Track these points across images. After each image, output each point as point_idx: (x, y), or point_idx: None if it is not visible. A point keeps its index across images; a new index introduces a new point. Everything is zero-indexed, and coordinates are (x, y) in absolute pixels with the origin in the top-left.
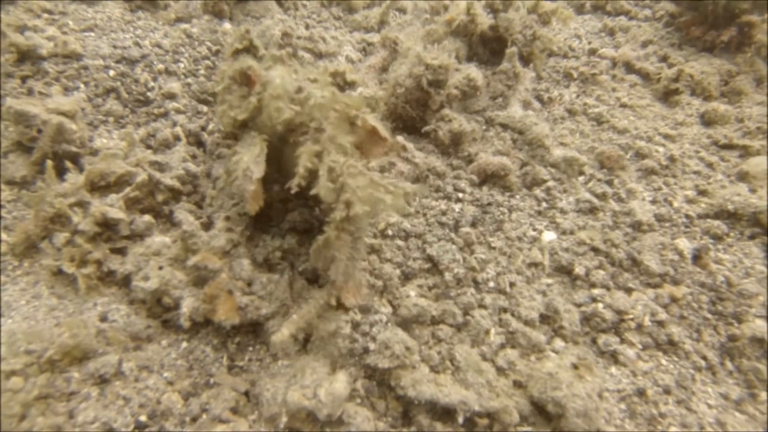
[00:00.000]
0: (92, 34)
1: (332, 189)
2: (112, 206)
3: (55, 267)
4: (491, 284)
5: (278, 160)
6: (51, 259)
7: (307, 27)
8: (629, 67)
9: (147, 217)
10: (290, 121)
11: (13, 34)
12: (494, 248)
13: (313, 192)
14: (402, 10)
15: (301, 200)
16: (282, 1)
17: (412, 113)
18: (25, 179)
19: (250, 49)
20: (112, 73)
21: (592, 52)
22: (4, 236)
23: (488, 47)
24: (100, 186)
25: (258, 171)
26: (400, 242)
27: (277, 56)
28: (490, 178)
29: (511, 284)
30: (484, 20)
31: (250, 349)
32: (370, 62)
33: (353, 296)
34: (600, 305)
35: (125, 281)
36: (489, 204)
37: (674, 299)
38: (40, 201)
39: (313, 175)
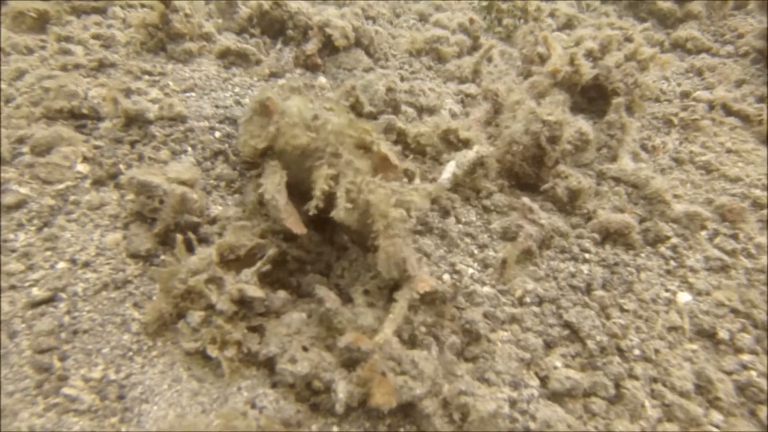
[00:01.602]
0: (193, 94)
1: (351, 209)
2: (248, 283)
3: (194, 348)
4: (636, 352)
5: (297, 185)
6: (188, 340)
7: (402, 79)
8: (727, 110)
9: (282, 293)
10: (306, 147)
11: (123, 99)
12: (627, 311)
13: (332, 215)
14: (489, 58)
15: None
16: (371, 53)
17: (528, 170)
18: (149, 252)
19: (356, 106)
20: (217, 134)
21: (685, 94)
22: (135, 314)
23: (586, 95)
24: (229, 260)
25: (282, 198)
26: (535, 308)
27: (295, 87)
28: (611, 235)
29: (656, 351)
30: (588, 70)
31: (402, 431)
32: (475, 116)
33: (423, 285)
34: (753, 373)
35: (268, 363)
36: (616, 264)
37: None
38: (170, 277)
39: (330, 198)
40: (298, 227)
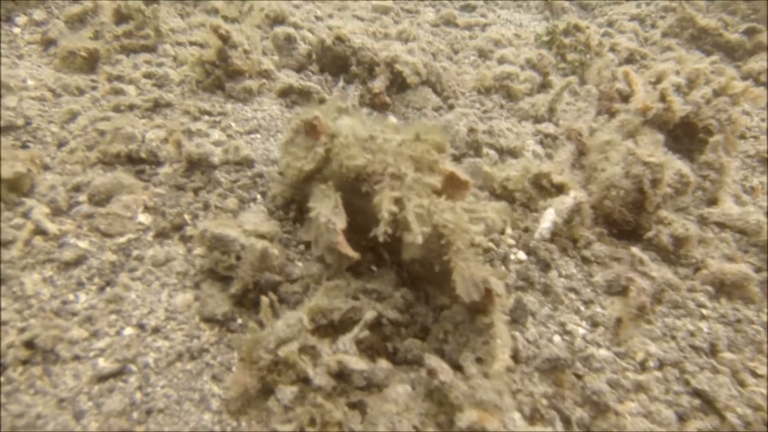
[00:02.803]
0: (258, 135)
1: (427, 234)
2: (347, 352)
3: (289, 430)
4: None
5: (350, 214)
6: (281, 420)
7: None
8: None
9: (384, 363)
10: (363, 169)
11: (187, 142)
12: (762, 377)
13: (407, 242)
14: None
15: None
16: (438, 91)
17: (628, 217)
18: (226, 316)
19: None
20: None
21: None
22: (215, 389)
23: (671, 134)
24: (321, 325)
25: (340, 222)
26: (657, 374)
27: (343, 107)
28: (725, 288)
29: None
30: (681, 107)
31: None
32: (561, 158)
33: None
34: None
35: None
36: (738, 321)
37: None
38: (254, 345)
39: (396, 223)
40: (351, 251)
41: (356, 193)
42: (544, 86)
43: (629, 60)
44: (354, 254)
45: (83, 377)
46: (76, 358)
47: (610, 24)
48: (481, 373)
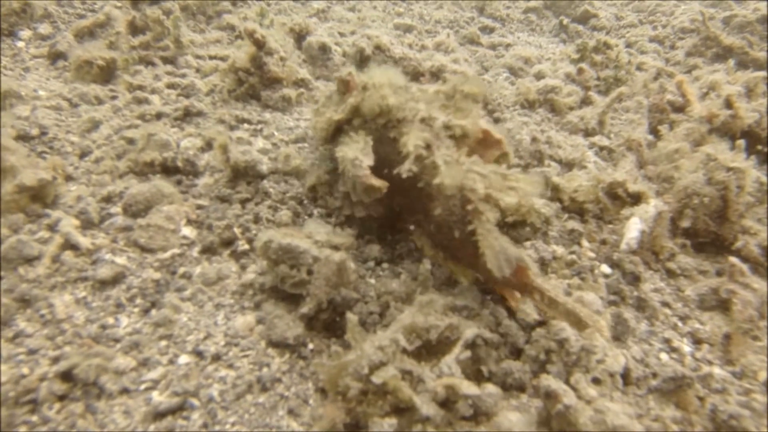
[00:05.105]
0: (305, 145)
1: (455, 178)
2: (454, 375)
3: None
4: None
5: (379, 165)
6: None
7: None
8: None
9: (493, 388)
10: (393, 111)
11: (235, 150)
12: None
13: (436, 181)
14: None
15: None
16: (482, 103)
17: (712, 226)
18: (298, 340)
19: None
20: None
21: None
22: (294, 425)
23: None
24: (415, 347)
25: (367, 159)
26: None
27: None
28: None
29: None
30: (748, 114)
31: None
32: (626, 169)
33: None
34: None
35: None
36: None
37: None
38: (339, 372)
39: (421, 165)
40: (378, 181)
41: (385, 140)
42: (584, 102)
43: (657, 79)
44: (380, 183)
45: (136, 414)
46: (125, 391)
47: (628, 45)
48: (602, 395)
